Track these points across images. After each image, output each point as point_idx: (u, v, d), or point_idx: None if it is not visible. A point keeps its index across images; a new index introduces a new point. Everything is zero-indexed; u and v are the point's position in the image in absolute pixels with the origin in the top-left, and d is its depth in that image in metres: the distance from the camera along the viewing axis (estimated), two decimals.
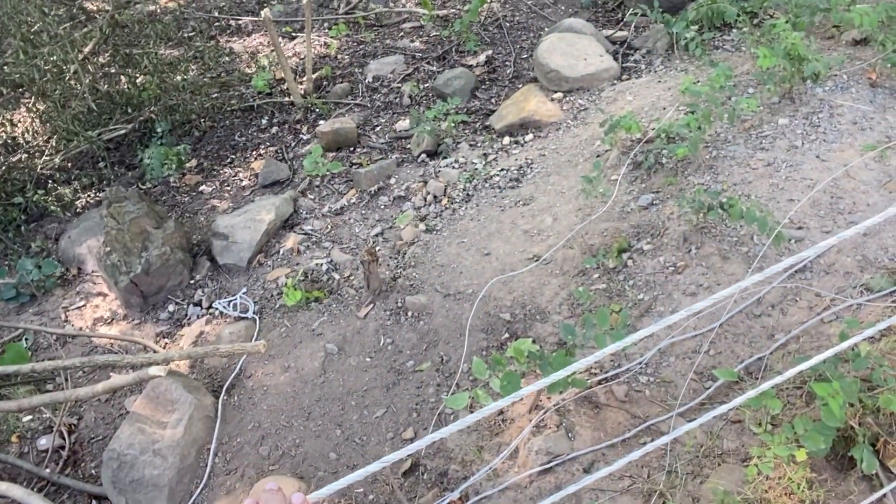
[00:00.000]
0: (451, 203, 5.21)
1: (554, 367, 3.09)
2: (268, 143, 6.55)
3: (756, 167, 4.35)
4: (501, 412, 3.63)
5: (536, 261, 4.38)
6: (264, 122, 6.87)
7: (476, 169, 5.44)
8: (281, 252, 5.21)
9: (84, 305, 5.28)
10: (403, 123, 6.32)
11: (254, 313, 4.67)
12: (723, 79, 4.61)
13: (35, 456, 4.27)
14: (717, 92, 4.60)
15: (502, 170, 5.34)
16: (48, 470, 4.08)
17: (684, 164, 4.59)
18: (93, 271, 5.49)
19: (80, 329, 5.00)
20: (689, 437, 3.18)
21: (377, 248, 4.92)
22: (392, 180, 5.64)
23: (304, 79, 6.94)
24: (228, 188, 6.17)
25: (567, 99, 5.93)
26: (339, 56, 7.53)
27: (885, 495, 2.73)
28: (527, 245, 4.57)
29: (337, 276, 4.84)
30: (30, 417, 4.54)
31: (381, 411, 3.88)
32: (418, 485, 3.47)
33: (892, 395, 2.88)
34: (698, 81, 5.13)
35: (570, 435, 3.35)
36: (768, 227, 3.81)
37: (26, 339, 5.09)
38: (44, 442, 4.31)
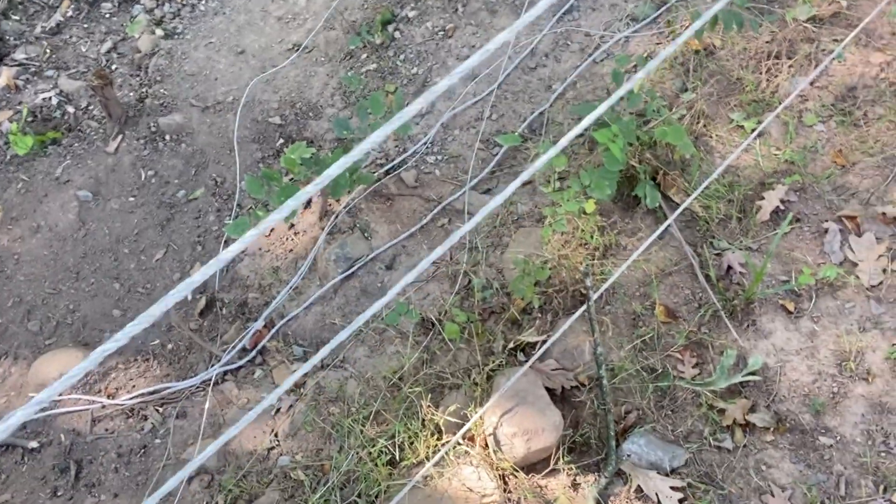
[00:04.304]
0: None
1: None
2: None
3: None
4: (292, 226, 3.36)
5: (297, 50, 3.90)
6: None
7: None
8: None
9: None
10: None
11: None
12: None
13: None
14: None
15: None
16: None
17: None
18: None
19: None
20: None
21: (113, 67, 4.18)
22: None
23: None
24: None
25: None
26: None
27: (669, 224, 2.84)
28: (284, 34, 4.04)
29: (72, 109, 4.09)
30: None
31: (161, 252, 3.48)
32: (218, 322, 3.21)
33: (666, 126, 2.89)
34: None
35: (366, 234, 3.17)
36: None
37: None
38: None
